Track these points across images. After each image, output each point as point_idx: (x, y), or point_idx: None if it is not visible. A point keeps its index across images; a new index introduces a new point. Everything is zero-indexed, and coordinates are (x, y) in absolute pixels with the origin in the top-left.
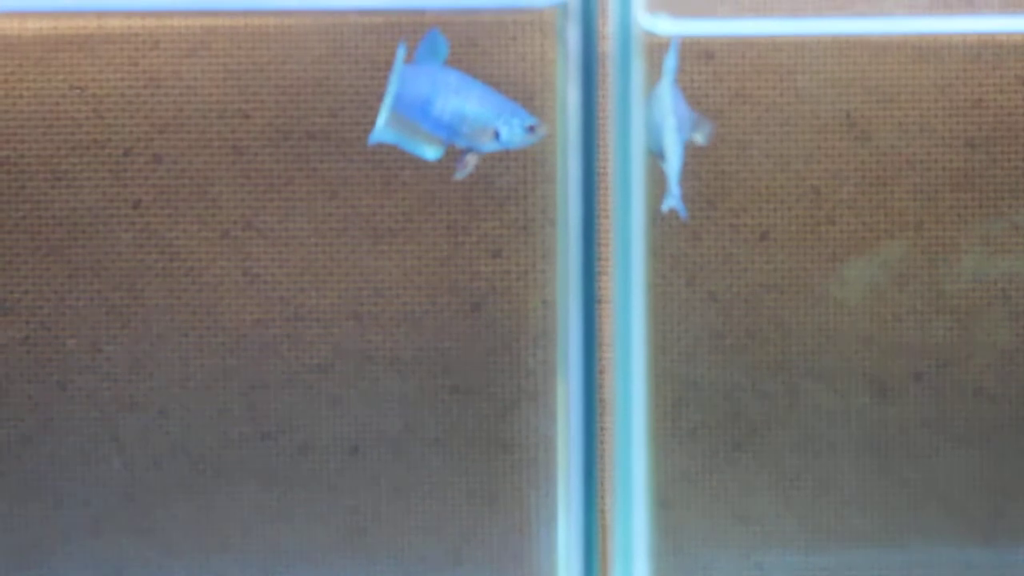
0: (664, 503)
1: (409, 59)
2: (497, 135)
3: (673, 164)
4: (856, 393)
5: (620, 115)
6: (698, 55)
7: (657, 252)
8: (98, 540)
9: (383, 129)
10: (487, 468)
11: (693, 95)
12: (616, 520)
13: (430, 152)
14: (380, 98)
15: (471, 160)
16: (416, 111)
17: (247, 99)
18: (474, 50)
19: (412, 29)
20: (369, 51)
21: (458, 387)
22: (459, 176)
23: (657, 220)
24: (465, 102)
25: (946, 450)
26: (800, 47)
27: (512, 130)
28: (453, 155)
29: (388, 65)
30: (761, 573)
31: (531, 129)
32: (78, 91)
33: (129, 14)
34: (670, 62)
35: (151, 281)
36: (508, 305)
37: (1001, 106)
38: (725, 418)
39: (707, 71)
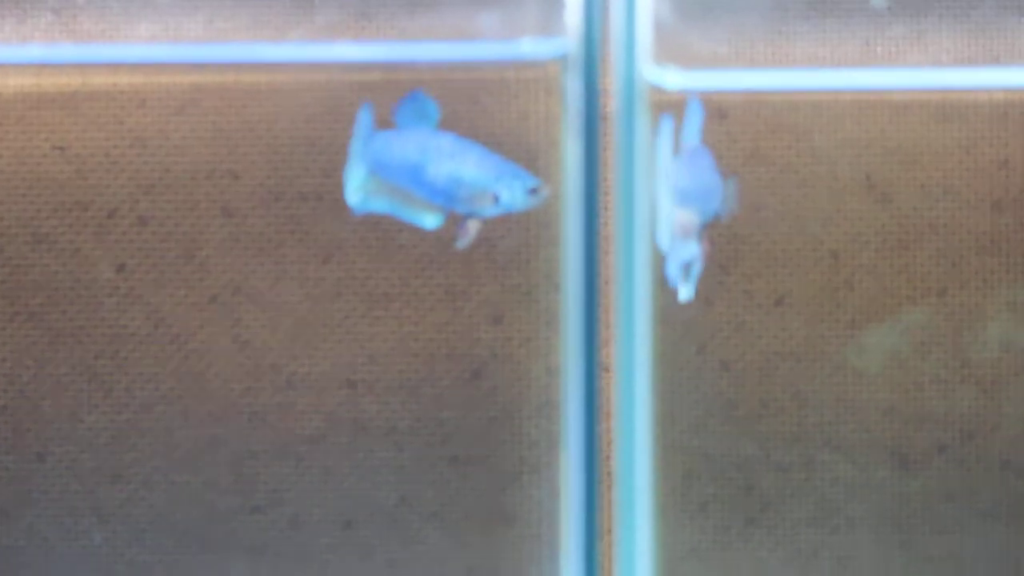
0: None
1: (390, 123)
2: (497, 199)
3: (664, 239)
4: (876, 466)
5: (624, 175)
6: (711, 114)
7: (666, 319)
8: None
9: (371, 199)
10: (487, 543)
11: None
12: None
13: (429, 220)
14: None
15: (473, 227)
16: (407, 179)
17: (237, 159)
18: (475, 108)
19: (409, 86)
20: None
21: (457, 458)
22: (461, 245)
23: (665, 286)
24: (461, 166)
25: (971, 525)
26: (817, 106)
27: (513, 193)
28: (453, 220)
29: (385, 124)
30: None
31: (533, 191)
32: (60, 150)
33: (115, 70)
34: (689, 122)
35: (135, 348)
36: (510, 373)
37: None
38: (737, 492)
39: (720, 131)
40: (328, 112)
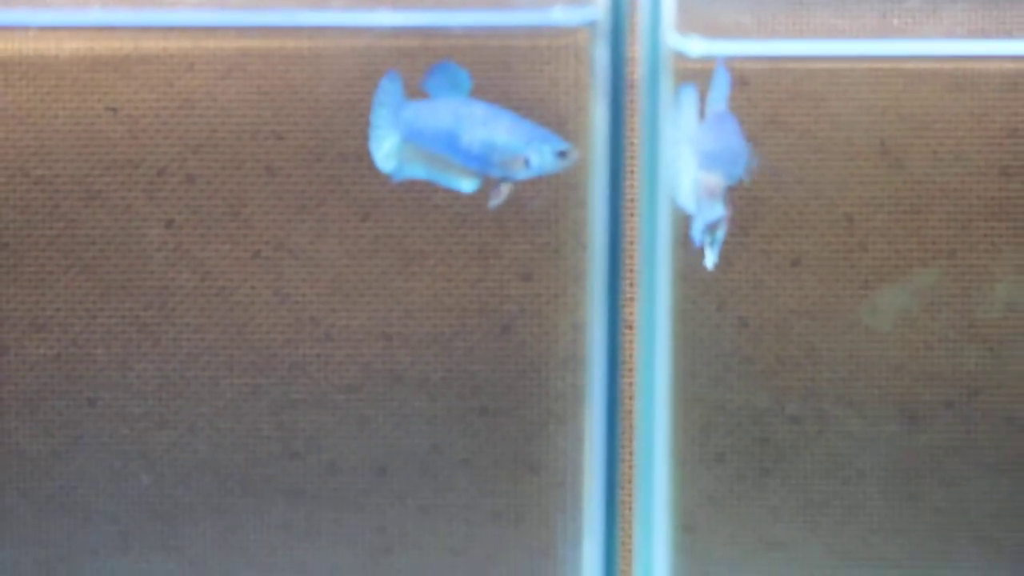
0: (690, 528)
1: (419, 92)
2: (528, 163)
3: (688, 202)
4: (886, 420)
5: (649, 139)
6: (733, 81)
7: (687, 277)
8: (126, 556)
9: (408, 165)
10: (514, 490)
11: None
12: (638, 544)
13: (466, 184)
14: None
15: (505, 188)
16: (443, 145)
17: (280, 120)
18: (508, 73)
19: (445, 52)
20: (403, 73)
21: (487, 409)
22: (493, 204)
23: (687, 246)
24: (494, 132)
25: (976, 478)
26: (834, 74)
27: (543, 157)
28: (488, 184)
29: (415, 93)
30: None
31: (562, 155)
32: (112, 112)
33: (166, 35)
34: (716, 88)
35: (182, 300)
36: (538, 328)
37: None
38: (753, 443)
39: (741, 97)
40: (367, 76)
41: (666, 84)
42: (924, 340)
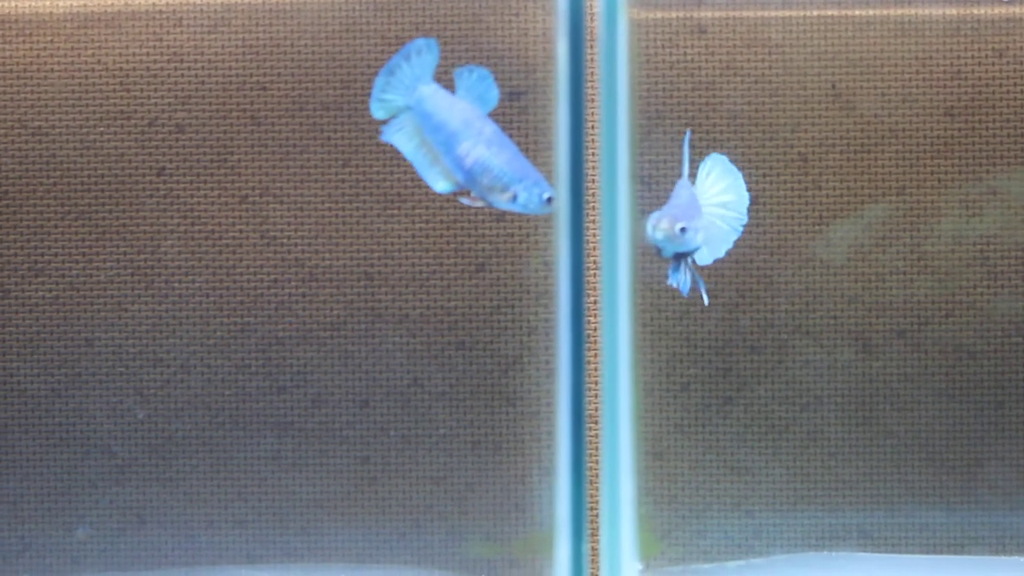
0: (658, 454)
1: (446, 86)
2: (515, 198)
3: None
4: (841, 349)
5: (607, 81)
6: (691, 30)
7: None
8: (122, 488)
9: (398, 135)
10: (491, 420)
11: (686, 68)
12: (606, 470)
13: (441, 185)
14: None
15: (480, 203)
16: (440, 141)
17: (265, 72)
18: (479, 25)
19: (421, 5)
20: (380, 27)
21: (463, 343)
22: (463, 201)
23: (646, 183)
24: (494, 157)
25: (927, 402)
26: (788, 22)
27: (530, 198)
28: (459, 192)
29: (398, 41)
30: (752, 521)
31: (549, 201)
32: (104, 66)
33: None
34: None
35: (173, 244)
36: (511, 266)
37: (979, 77)
38: (716, 373)
39: (700, 45)
40: (347, 30)
41: (623, 28)
42: (876, 272)
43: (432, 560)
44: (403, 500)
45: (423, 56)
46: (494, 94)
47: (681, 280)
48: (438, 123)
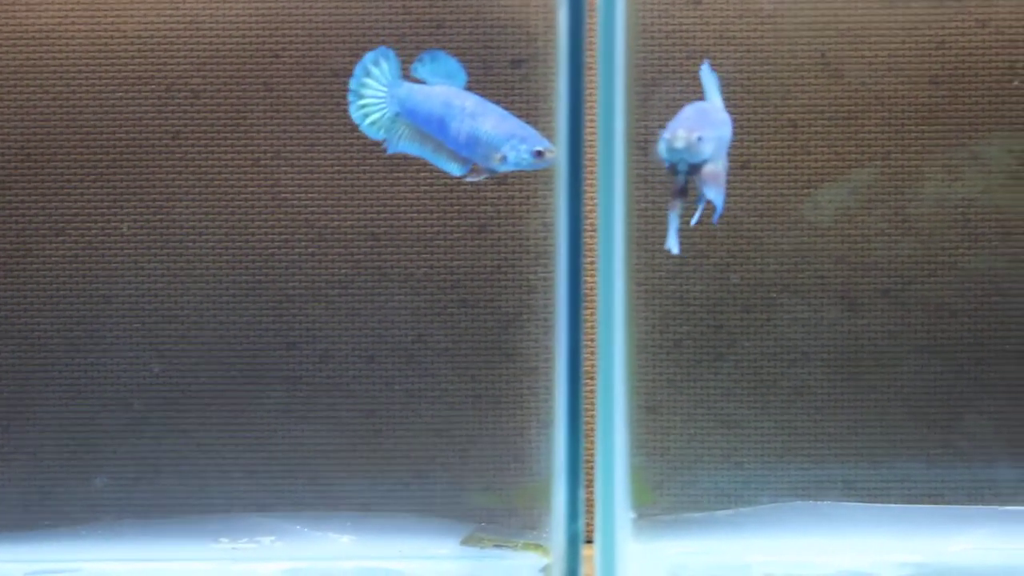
0: (652, 408)
1: (410, 74)
2: (505, 159)
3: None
4: (828, 307)
5: (605, 48)
6: (686, 0)
7: (646, 179)
8: (139, 439)
9: (402, 144)
10: (492, 375)
11: (681, 37)
12: (602, 423)
13: (455, 168)
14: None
15: (484, 173)
16: (435, 129)
17: (277, 40)
18: None
19: None
20: None
21: (465, 301)
22: (469, 179)
23: (642, 147)
24: (479, 126)
25: (909, 359)
26: None
27: (519, 154)
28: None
29: (405, 10)
30: (741, 472)
31: (539, 154)
32: (123, 33)
33: None
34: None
35: (188, 205)
36: (512, 227)
37: (963, 47)
38: (708, 330)
39: (694, 15)
40: None
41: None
42: (862, 234)
43: (434, 509)
44: (407, 452)
45: (381, 65)
46: (457, 67)
47: (687, 209)
48: (426, 115)
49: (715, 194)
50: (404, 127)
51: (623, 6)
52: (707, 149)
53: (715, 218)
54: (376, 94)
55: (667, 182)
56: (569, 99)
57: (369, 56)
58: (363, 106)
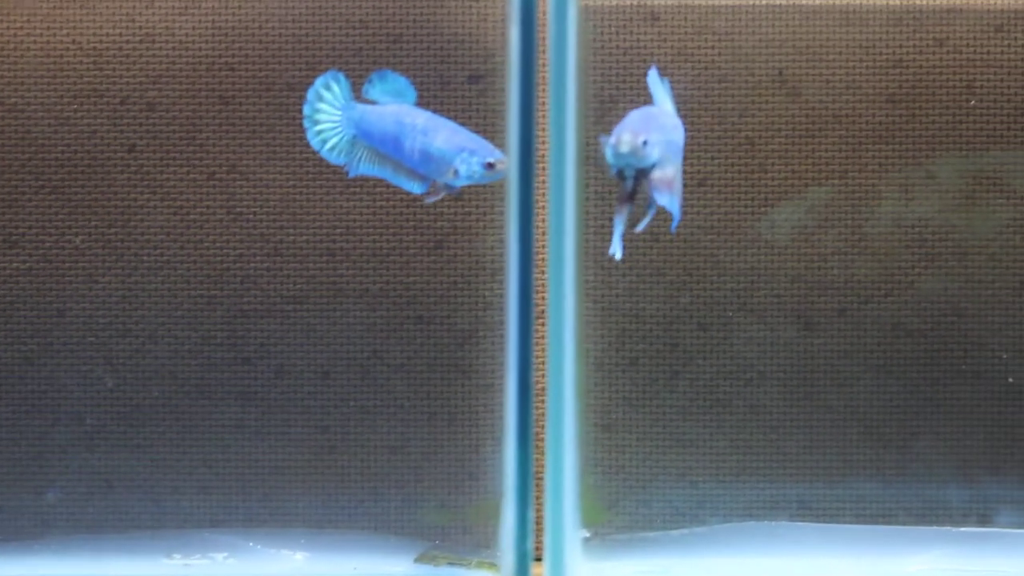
0: (607, 426)
1: (362, 96)
2: (457, 173)
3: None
4: (784, 326)
5: (556, 61)
6: (644, 17)
7: (598, 196)
8: (92, 454)
9: (362, 167)
10: (447, 392)
11: (639, 54)
12: (550, 441)
13: (414, 186)
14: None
15: (441, 190)
16: (391, 150)
17: (233, 53)
18: (440, 11)
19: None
20: (345, 11)
21: (422, 318)
22: (428, 200)
23: (599, 164)
24: (432, 141)
25: (866, 379)
26: (737, 11)
27: (471, 167)
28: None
29: (362, 24)
30: (695, 491)
31: (490, 166)
32: (78, 45)
33: None
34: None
35: (143, 219)
36: (468, 244)
37: (920, 66)
38: (664, 348)
39: (652, 31)
40: (312, 13)
41: (573, 16)
42: (818, 253)
43: (388, 526)
44: (361, 468)
45: (333, 89)
46: (406, 85)
47: (630, 216)
48: (380, 135)
49: (668, 201)
50: (363, 149)
51: (574, 22)
52: (654, 153)
53: (672, 227)
54: (331, 118)
55: (616, 190)
56: (520, 115)
57: (319, 80)
58: (320, 132)
